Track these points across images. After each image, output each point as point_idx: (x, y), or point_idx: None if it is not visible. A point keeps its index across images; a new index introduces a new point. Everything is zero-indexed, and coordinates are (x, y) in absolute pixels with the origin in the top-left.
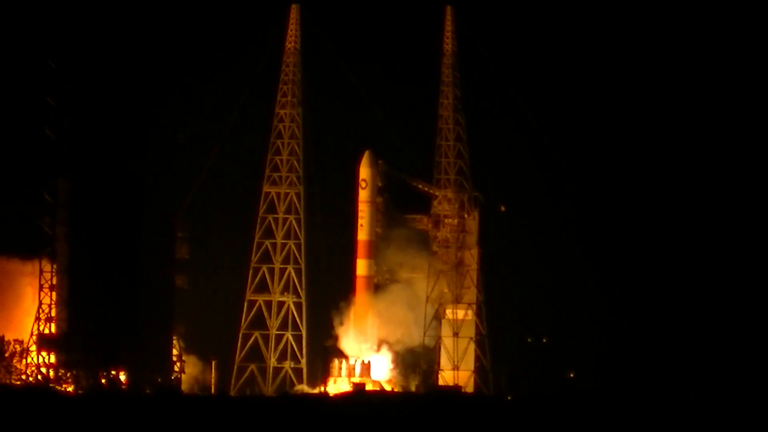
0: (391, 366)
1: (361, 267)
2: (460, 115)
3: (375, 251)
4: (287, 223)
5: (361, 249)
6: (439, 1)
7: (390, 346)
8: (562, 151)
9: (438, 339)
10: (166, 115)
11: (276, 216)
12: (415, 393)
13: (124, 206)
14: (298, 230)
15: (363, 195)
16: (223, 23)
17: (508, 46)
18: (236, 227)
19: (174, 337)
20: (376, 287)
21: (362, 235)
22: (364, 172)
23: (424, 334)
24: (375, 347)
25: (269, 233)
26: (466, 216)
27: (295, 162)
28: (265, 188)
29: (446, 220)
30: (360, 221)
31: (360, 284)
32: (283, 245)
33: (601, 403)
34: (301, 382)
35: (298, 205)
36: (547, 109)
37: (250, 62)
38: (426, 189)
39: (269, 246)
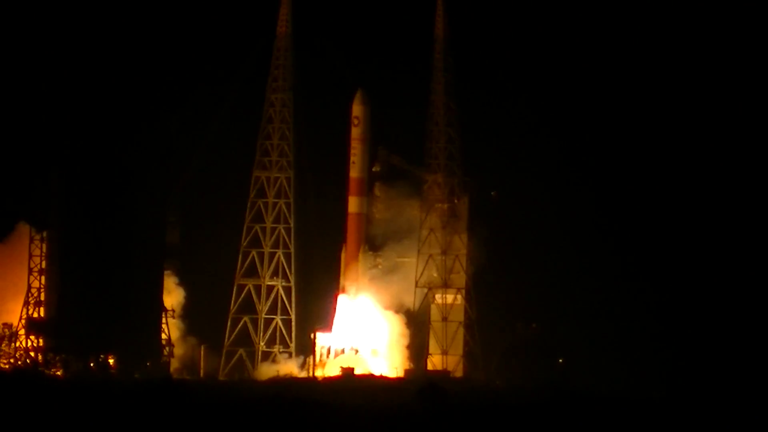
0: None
1: (353, 204)
2: (452, 100)
3: (365, 189)
4: (277, 207)
5: (353, 186)
6: None
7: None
8: (556, 139)
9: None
10: (157, 103)
11: (266, 200)
12: (405, 378)
13: (115, 192)
14: (288, 215)
15: (355, 132)
16: (215, 9)
17: (501, 33)
18: (226, 212)
19: (170, 320)
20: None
21: (354, 172)
22: (357, 109)
23: (415, 315)
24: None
25: (259, 218)
26: (456, 201)
27: (285, 146)
28: (256, 173)
29: (436, 205)
30: (352, 158)
31: (352, 221)
32: (273, 229)
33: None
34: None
35: (288, 190)
36: (541, 96)
37: (241, 48)
38: (418, 173)
39: (259, 230)
